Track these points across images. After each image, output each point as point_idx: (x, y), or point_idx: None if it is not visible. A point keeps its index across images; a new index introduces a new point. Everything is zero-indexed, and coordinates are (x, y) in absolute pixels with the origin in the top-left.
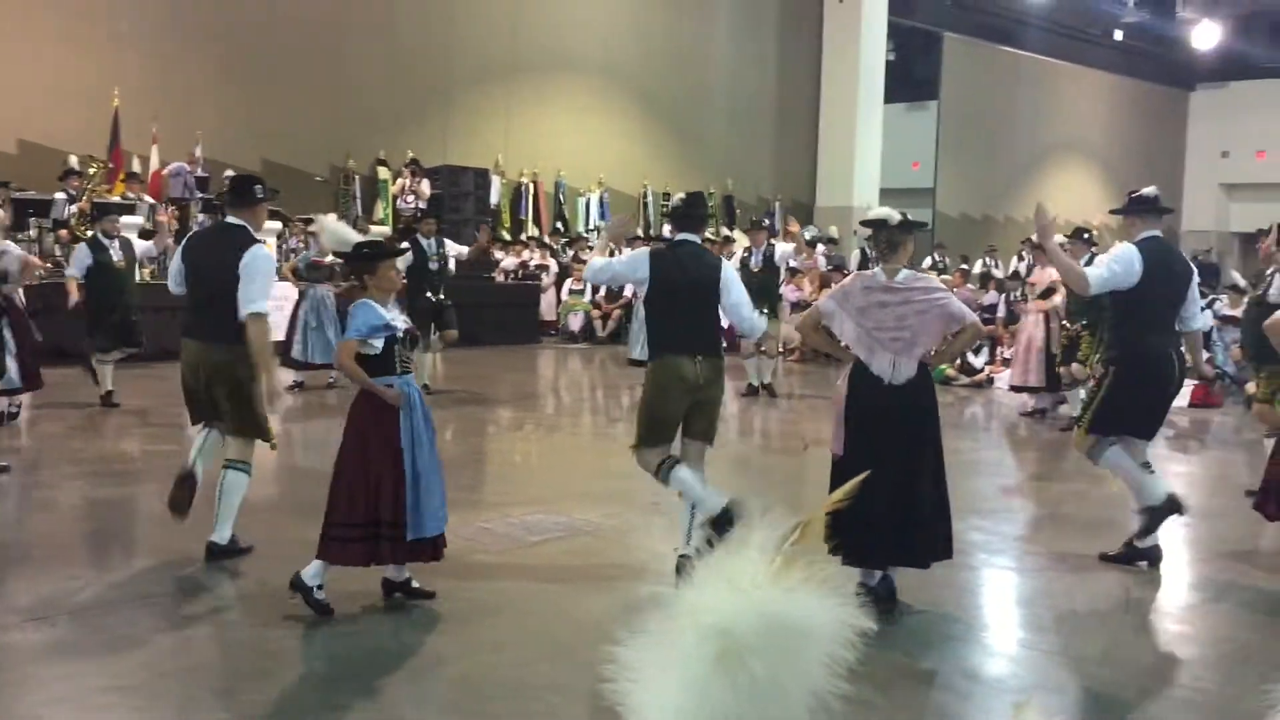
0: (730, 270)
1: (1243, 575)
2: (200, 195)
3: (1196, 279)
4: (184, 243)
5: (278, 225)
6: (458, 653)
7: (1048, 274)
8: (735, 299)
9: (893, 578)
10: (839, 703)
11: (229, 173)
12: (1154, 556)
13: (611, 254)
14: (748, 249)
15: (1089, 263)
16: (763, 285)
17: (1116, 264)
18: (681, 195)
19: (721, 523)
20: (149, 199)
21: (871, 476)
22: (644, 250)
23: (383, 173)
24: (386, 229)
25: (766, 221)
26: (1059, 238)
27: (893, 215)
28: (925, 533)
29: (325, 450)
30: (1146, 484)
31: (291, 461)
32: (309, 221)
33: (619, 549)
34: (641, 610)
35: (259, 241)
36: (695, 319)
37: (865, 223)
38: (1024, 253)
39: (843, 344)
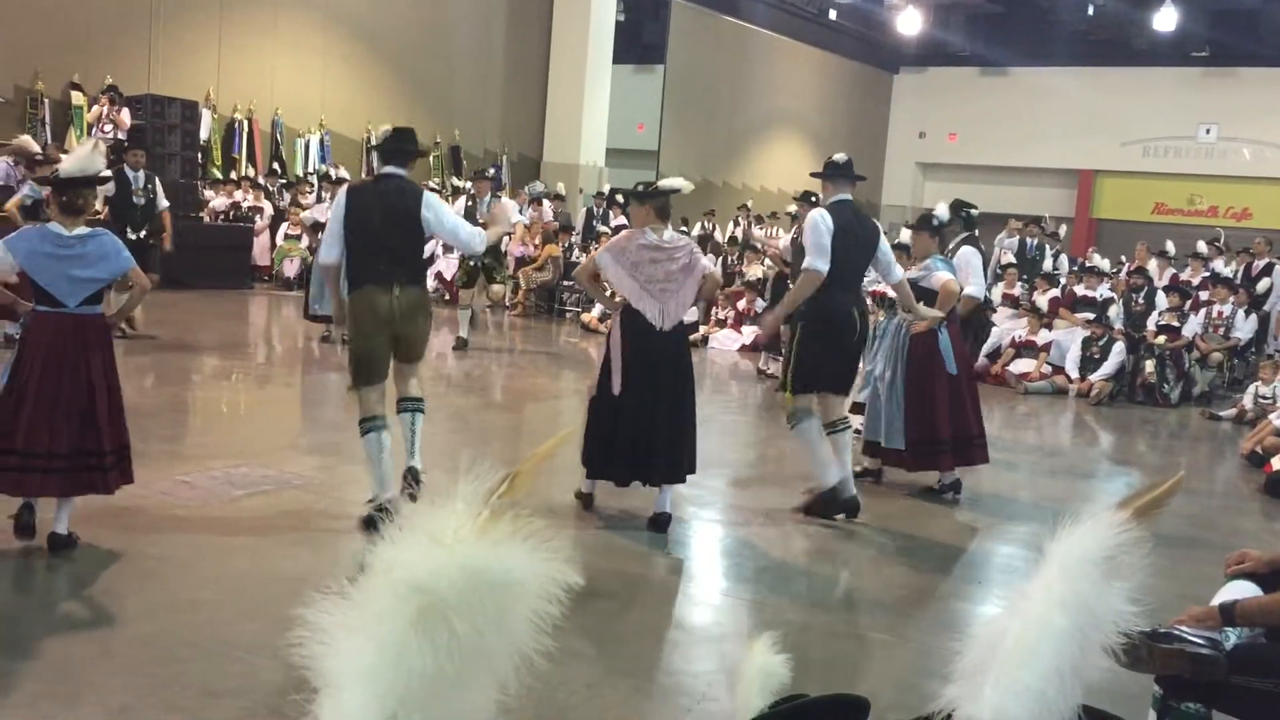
0: (435, 199)
1: (922, 529)
2: None
3: (884, 239)
4: None
5: None
6: (145, 612)
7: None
8: (450, 225)
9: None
10: (543, 659)
11: None
12: (851, 507)
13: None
14: (472, 198)
15: None
16: None
17: (815, 234)
18: (388, 128)
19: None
20: None
21: (645, 408)
22: (342, 189)
23: (77, 98)
24: None
25: (491, 172)
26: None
27: (687, 185)
28: (681, 455)
29: None
30: (825, 466)
31: None
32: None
33: (331, 503)
34: (350, 567)
35: None
36: (392, 248)
37: (660, 189)
38: (740, 218)
39: (610, 293)
